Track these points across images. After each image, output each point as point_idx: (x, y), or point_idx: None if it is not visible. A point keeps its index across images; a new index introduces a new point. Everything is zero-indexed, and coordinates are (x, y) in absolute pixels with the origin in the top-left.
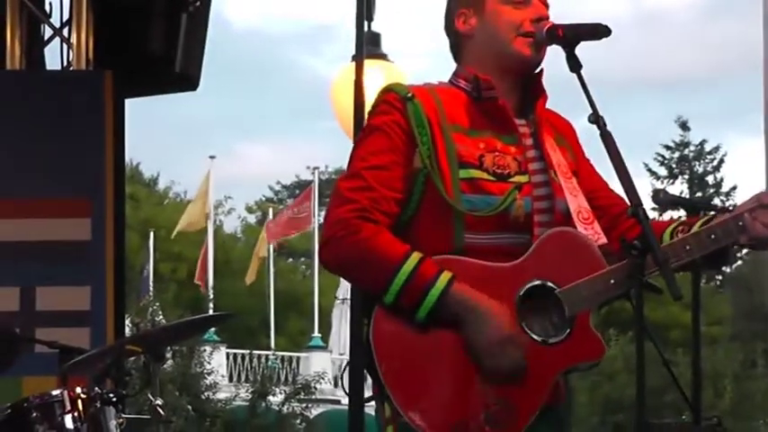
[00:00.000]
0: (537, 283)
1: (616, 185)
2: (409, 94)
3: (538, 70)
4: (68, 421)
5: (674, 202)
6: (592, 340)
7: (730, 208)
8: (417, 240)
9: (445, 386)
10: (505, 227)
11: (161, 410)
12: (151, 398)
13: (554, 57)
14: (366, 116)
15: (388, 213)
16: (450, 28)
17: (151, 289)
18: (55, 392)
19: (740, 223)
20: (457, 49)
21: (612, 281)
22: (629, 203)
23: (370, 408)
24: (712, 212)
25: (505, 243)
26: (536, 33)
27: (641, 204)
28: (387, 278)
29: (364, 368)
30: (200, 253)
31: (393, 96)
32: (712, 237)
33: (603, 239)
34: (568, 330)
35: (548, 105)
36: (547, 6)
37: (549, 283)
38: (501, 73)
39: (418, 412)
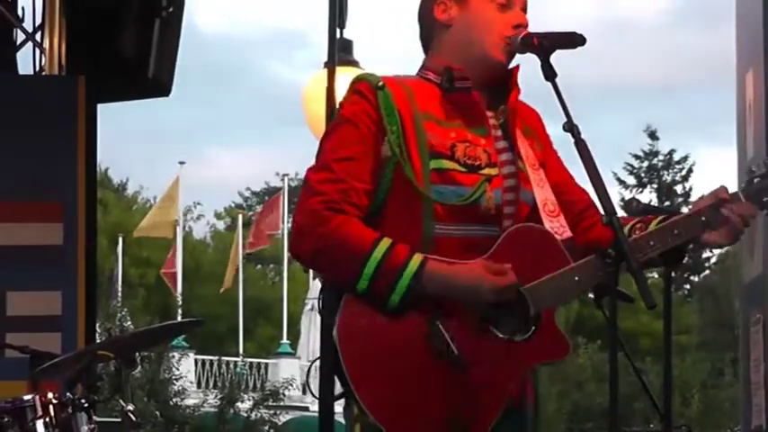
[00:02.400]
0: None
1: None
2: (380, 83)
3: (513, 65)
4: (40, 426)
5: (647, 211)
6: (557, 338)
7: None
8: (385, 231)
9: (411, 384)
10: (475, 219)
11: (132, 416)
12: (122, 403)
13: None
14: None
15: (357, 205)
16: (426, 15)
17: (119, 294)
18: (26, 397)
19: (703, 218)
20: (429, 39)
21: (577, 278)
22: (602, 212)
23: (340, 415)
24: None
25: (474, 235)
26: (513, 39)
27: (615, 213)
28: (359, 265)
29: (332, 366)
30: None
31: (364, 86)
32: (675, 232)
33: (568, 233)
34: (534, 328)
35: None
36: (525, 12)
37: None
38: (470, 67)
39: (382, 410)
